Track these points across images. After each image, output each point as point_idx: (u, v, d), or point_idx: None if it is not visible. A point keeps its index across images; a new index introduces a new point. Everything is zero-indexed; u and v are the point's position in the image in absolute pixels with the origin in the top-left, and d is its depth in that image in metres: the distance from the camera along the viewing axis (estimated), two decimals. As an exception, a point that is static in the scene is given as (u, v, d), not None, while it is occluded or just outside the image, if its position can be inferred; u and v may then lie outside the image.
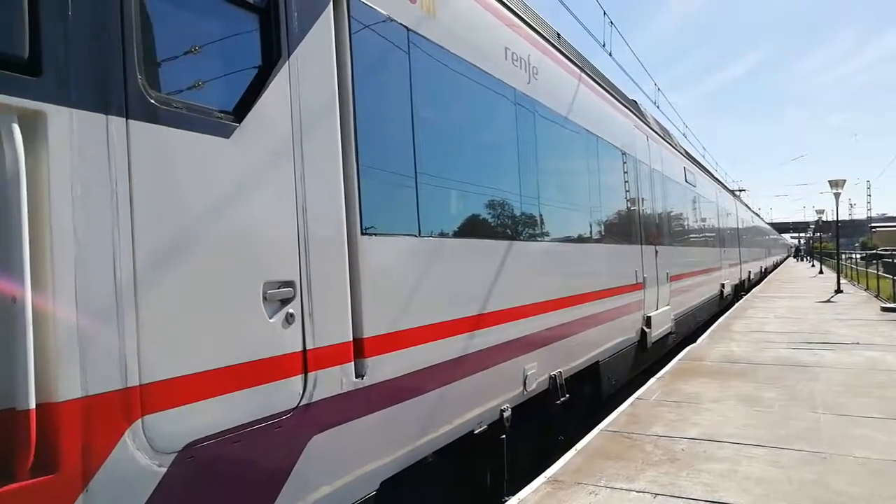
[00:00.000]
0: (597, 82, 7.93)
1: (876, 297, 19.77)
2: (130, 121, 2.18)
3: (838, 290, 21.63)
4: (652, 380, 7.83)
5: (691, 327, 12.49)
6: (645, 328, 8.77)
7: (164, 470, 2.22)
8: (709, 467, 4.63)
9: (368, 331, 3.23)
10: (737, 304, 18.04)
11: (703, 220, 15.70)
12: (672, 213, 11.61)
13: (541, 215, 5.64)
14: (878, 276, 21.35)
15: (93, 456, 2.02)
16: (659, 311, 9.46)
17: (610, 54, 12.65)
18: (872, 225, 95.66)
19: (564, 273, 6.12)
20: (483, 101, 4.86)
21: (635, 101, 11.26)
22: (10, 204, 1.84)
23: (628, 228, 8.58)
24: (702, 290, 14.01)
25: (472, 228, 4.56)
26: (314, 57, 3.01)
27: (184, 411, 2.30)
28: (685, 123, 31.99)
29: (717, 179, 23.25)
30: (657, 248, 9.73)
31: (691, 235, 13.89)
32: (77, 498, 1.98)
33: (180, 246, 2.36)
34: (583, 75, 7.27)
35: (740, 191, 42.80)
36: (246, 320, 2.58)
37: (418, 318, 3.68)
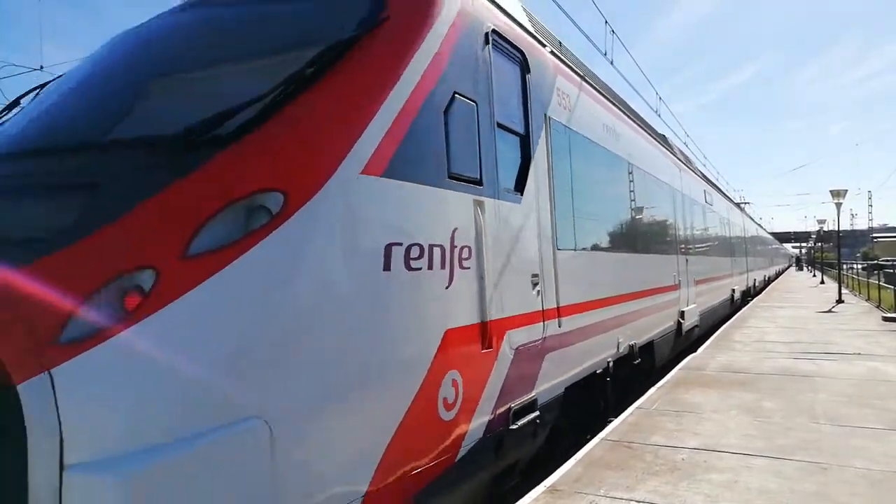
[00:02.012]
0: (648, 133, 10.52)
1: (877, 307, 19.74)
2: (498, 200, 4.53)
3: (839, 301, 21.59)
4: (652, 389, 7.81)
5: (709, 324, 14.43)
6: (680, 319, 10.85)
7: (511, 356, 4.52)
8: (709, 478, 4.62)
9: (562, 302, 5.51)
10: (738, 314, 18.02)
11: (718, 233, 17.90)
12: (696, 228, 13.86)
13: (630, 234, 8.45)
14: (880, 287, 21.33)
15: (497, 345, 4.32)
16: (689, 307, 11.56)
17: (611, 62, 12.69)
18: (874, 235, 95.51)
19: (639, 275, 8.50)
20: (595, 161, 7.19)
21: (664, 136, 13.68)
22: (480, 242, 4.19)
23: (671, 242, 11.05)
24: (717, 294, 16.13)
25: (598, 244, 7.08)
26: (540, 153, 5.41)
27: (514, 332, 4.58)
28: (686, 132, 32.02)
29: (725, 195, 25.31)
30: (687, 257, 12.00)
31: (709, 247, 15.94)
32: (496, 360, 4.29)
33: (507, 256, 4.62)
34: (641, 131, 9.95)
35: (745, 203, 44.39)
36: (527, 292, 4.89)
37: (577, 296, 5.94)
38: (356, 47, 3.54)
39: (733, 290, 19.26)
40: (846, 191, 23.33)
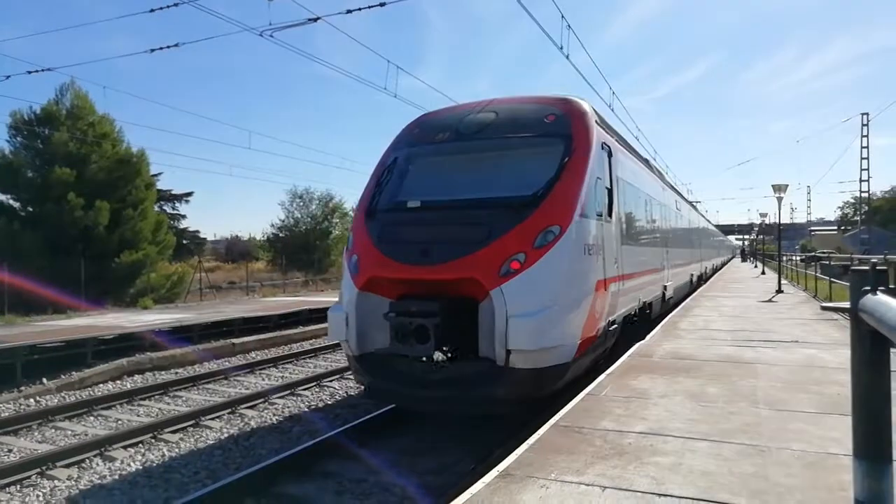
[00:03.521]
0: (646, 165, 15.96)
1: (814, 297, 20.64)
2: (603, 222, 8.87)
3: (779, 291, 22.46)
4: (602, 376, 7.97)
5: (679, 297, 19.13)
6: (664, 291, 15.31)
7: (609, 296, 9.04)
8: (655, 461, 4.76)
9: (624, 272, 9.89)
10: (683, 304, 18.56)
11: (682, 230, 22.59)
12: (670, 227, 18.74)
13: (644, 234, 13.32)
14: (816, 278, 22.30)
15: (607, 289, 8.86)
16: (669, 283, 16.21)
17: (567, 57, 12.81)
18: (812, 228, 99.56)
19: (647, 260, 12.88)
20: (631, 194, 11.48)
21: (647, 160, 17.99)
22: (602, 241, 8.76)
23: (659, 238, 15.88)
24: (684, 276, 20.68)
25: (633, 241, 11.35)
26: (615, 196, 9.60)
27: (611, 284, 9.19)
28: (638, 126, 32.87)
29: (685, 198, 30.74)
30: (667, 249, 16.73)
31: (677, 241, 20.35)
32: (607, 297, 8.90)
33: (608, 248, 9.00)
34: (644, 166, 15.19)
35: (697, 202, 48.43)
36: (613, 266, 9.24)
37: (628, 270, 10.17)
38: (568, 162, 8.18)
39: (692, 275, 23.94)
40: (787, 185, 24.27)
